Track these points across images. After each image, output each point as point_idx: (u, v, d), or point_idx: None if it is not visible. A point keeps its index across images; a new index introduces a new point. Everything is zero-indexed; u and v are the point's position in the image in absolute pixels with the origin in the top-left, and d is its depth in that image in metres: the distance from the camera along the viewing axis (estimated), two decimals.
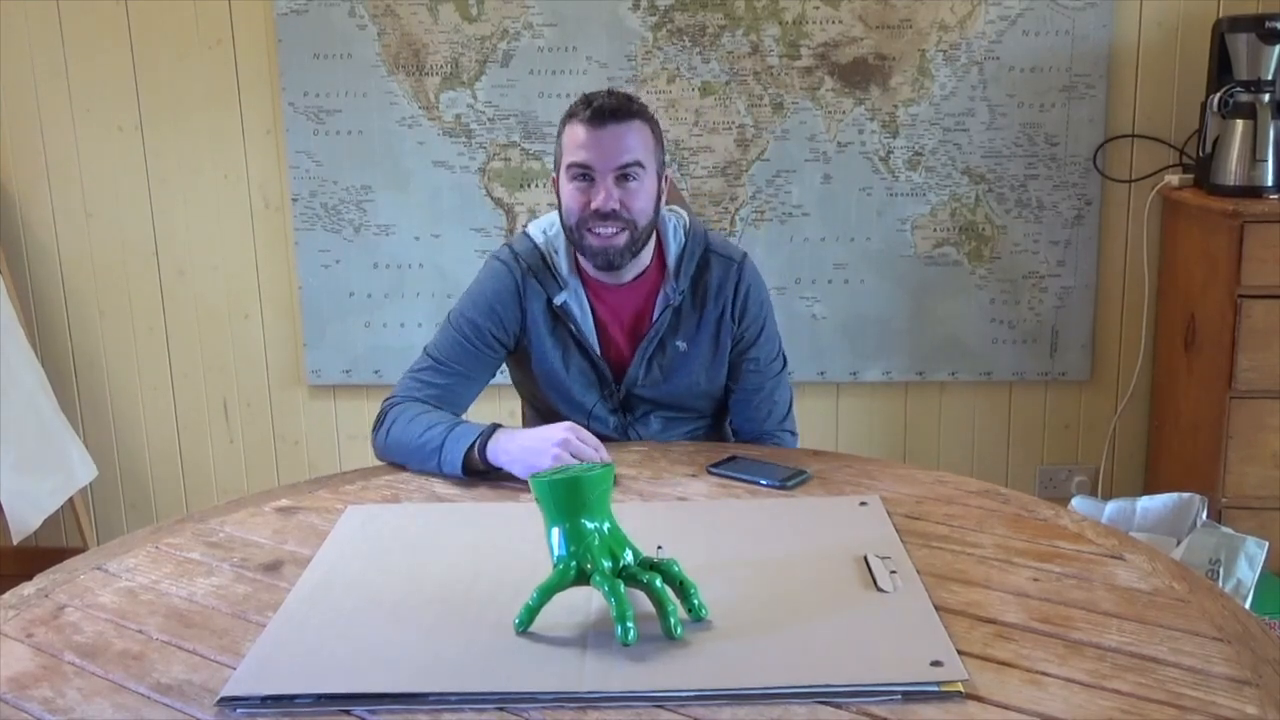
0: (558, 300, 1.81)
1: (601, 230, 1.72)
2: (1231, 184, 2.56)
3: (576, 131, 1.71)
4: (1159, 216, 2.85)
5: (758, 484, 1.60)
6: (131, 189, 2.94)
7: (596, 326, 1.83)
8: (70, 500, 2.89)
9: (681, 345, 1.84)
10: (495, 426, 1.66)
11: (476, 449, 1.63)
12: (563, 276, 1.81)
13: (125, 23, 2.84)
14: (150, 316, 3.02)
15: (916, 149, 2.82)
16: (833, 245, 2.88)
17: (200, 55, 2.85)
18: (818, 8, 2.75)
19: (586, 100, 1.72)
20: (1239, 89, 2.56)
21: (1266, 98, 2.54)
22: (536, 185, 2.87)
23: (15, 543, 2.70)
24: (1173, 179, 2.76)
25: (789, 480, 1.60)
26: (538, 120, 2.83)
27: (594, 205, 1.70)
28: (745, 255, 1.88)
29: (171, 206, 2.95)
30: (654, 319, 1.83)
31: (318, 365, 2.99)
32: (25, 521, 2.67)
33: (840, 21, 2.76)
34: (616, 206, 1.70)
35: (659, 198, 1.78)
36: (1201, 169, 2.67)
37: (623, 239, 1.73)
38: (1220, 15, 2.70)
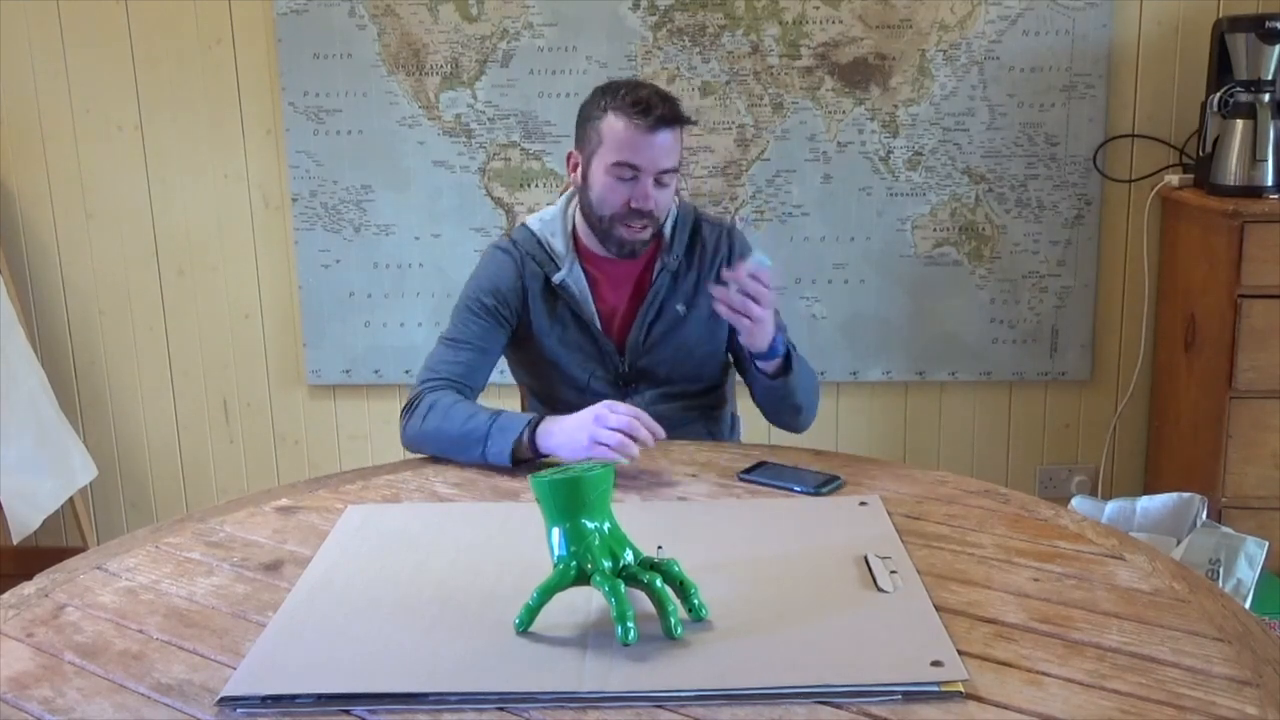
0: (556, 278, 1.87)
1: (634, 224, 1.81)
2: (1231, 184, 2.56)
3: (626, 129, 1.76)
4: (1159, 216, 2.85)
5: (790, 490, 1.59)
6: (131, 189, 2.94)
7: (596, 302, 1.90)
8: (70, 500, 2.89)
9: (680, 309, 1.91)
10: (541, 417, 1.70)
11: (525, 437, 1.67)
12: (559, 256, 1.88)
13: (125, 23, 2.84)
14: (150, 316, 3.02)
15: (916, 149, 2.82)
16: (833, 245, 2.88)
17: (200, 55, 2.85)
18: (818, 8, 2.75)
19: (640, 102, 1.75)
20: (1239, 89, 2.56)
21: (1266, 98, 2.54)
22: (536, 185, 2.87)
23: (15, 543, 2.71)
24: (1173, 179, 2.76)
25: (822, 487, 1.58)
26: (538, 120, 2.83)
27: (634, 205, 1.79)
28: (734, 222, 2.02)
29: (171, 206, 2.95)
30: (653, 281, 1.90)
31: (318, 365, 2.99)
32: (25, 521, 2.67)
33: (840, 21, 2.76)
34: (654, 206, 1.79)
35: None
36: (1201, 169, 2.67)
37: (647, 232, 1.84)
38: (1220, 15, 2.70)
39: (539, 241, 1.90)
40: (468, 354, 1.86)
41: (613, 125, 1.77)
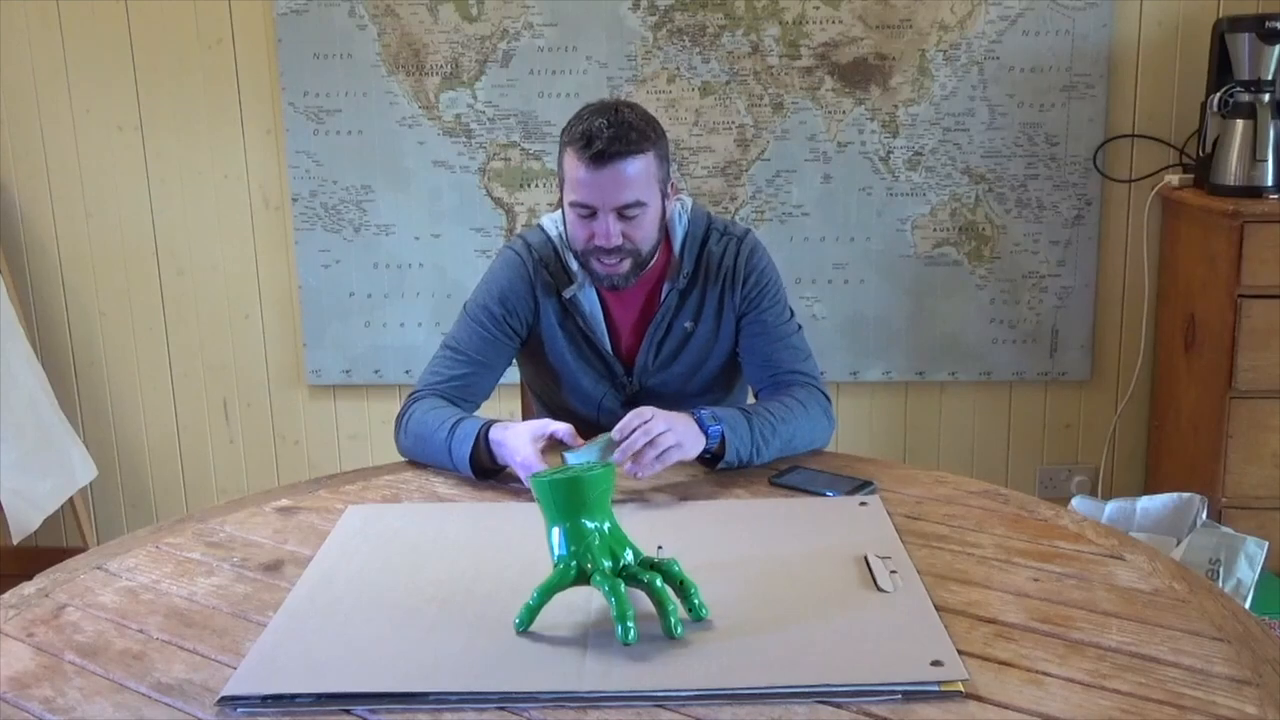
0: (567, 294, 1.82)
1: (605, 260, 1.73)
2: (1231, 184, 2.56)
3: (575, 166, 1.67)
4: (1159, 216, 2.85)
5: (824, 495, 1.57)
6: (131, 189, 2.94)
7: (607, 319, 1.85)
8: (70, 500, 2.89)
9: (689, 325, 1.85)
10: (490, 423, 1.65)
11: (482, 445, 1.63)
12: (573, 271, 1.82)
13: (125, 23, 2.84)
14: (150, 316, 3.02)
15: (916, 149, 2.82)
16: (833, 245, 2.88)
17: (200, 55, 2.85)
18: (818, 8, 2.75)
19: (585, 135, 1.64)
20: (1239, 89, 2.56)
21: (1266, 98, 2.54)
22: (536, 185, 2.87)
23: (15, 543, 2.71)
24: (1173, 179, 2.76)
25: (855, 491, 1.58)
26: (538, 120, 2.83)
27: (596, 241, 1.71)
28: (748, 232, 1.88)
29: (171, 206, 2.95)
30: (661, 301, 1.84)
31: (318, 365, 2.99)
32: (25, 521, 2.67)
33: (840, 21, 2.76)
34: (619, 241, 1.70)
35: (664, 214, 1.78)
36: (1201, 169, 2.67)
37: (626, 266, 1.74)
38: (1220, 15, 2.70)
39: (555, 251, 1.83)
40: (465, 366, 1.81)
41: (567, 161, 1.69)
